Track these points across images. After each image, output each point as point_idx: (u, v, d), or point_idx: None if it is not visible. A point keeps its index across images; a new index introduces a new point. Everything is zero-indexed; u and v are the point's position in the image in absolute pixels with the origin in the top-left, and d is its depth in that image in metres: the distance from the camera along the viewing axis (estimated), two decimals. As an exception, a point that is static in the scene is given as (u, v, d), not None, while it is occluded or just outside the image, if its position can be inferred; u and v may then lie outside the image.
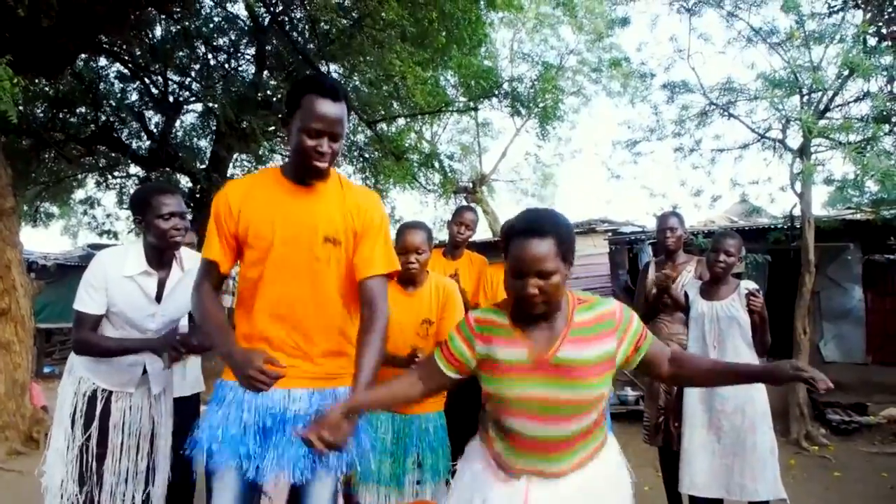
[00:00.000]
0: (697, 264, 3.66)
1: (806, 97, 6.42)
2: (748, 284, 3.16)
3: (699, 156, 7.81)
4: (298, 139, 1.78)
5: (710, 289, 3.26)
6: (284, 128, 1.86)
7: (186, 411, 2.87)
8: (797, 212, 6.83)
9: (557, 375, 1.63)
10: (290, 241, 1.84)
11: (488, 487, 1.71)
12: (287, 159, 1.96)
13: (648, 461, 4.18)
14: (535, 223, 1.60)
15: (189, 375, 3.17)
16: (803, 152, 6.42)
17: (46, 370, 10.06)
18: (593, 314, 1.69)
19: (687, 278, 3.59)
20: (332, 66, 8.10)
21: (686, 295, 3.37)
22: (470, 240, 3.85)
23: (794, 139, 6.74)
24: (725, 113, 7.19)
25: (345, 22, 6.64)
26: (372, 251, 1.90)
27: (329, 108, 1.76)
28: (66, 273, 11.66)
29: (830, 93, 6.33)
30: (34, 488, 2.57)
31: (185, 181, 9.57)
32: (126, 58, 8.44)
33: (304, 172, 1.85)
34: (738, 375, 1.81)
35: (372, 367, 1.77)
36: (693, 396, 3.17)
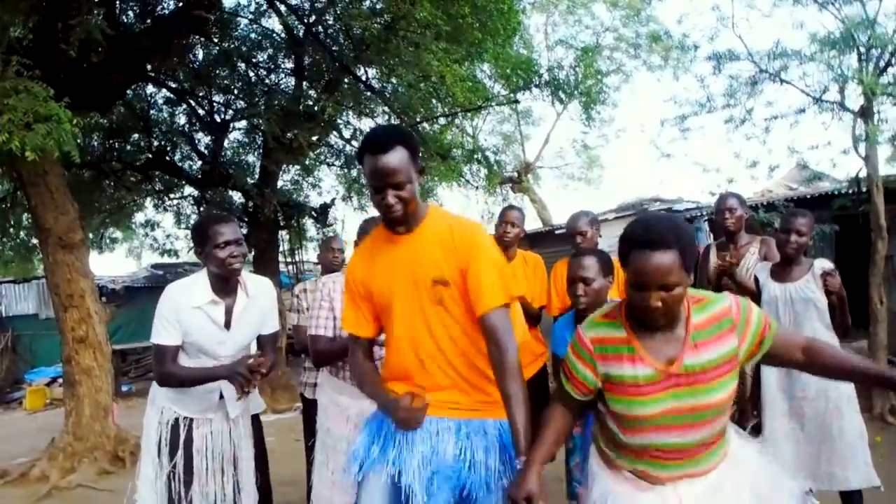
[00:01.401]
0: (761, 244, 3.54)
1: (864, 55, 6.09)
2: (823, 264, 3.02)
3: (752, 125, 7.51)
4: (371, 195, 1.86)
5: (782, 270, 3.13)
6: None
7: (253, 430, 2.91)
8: (863, 174, 6.50)
9: (688, 384, 1.61)
10: (403, 291, 1.88)
11: (632, 499, 1.69)
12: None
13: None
14: (658, 234, 1.55)
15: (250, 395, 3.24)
16: (865, 114, 6.10)
17: (124, 388, 10.50)
18: (709, 314, 1.65)
19: (751, 260, 3.47)
20: (370, 72, 8.15)
21: (756, 279, 3.25)
22: (520, 237, 3.79)
23: (854, 100, 6.41)
24: (777, 79, 6.89)
25: (378, 26, 6.66)
26: (480, 284, 1.83)
27: (379, 162, 1.77)
28: (135, 295, 12.15)
29: (890, 48, 5.99)
30: (127, 510, 2.68)
31: (237, 197, 9.82)
32: (171, 84, 8.71)
33: (388, 225, 1.91)
34: (866, 378, 1.73)
35: (524, 418, 1.73)
36: (772, 383, 3.06)
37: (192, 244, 2.67)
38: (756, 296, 3.29)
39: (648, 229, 1.57)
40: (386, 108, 8.32)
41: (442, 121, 8.97)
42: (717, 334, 1.63)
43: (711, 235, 10.23)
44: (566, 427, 1.81)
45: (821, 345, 1.72)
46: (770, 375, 3.07)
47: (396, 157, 1.77)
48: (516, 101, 9.34)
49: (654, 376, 1.63)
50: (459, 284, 1.85)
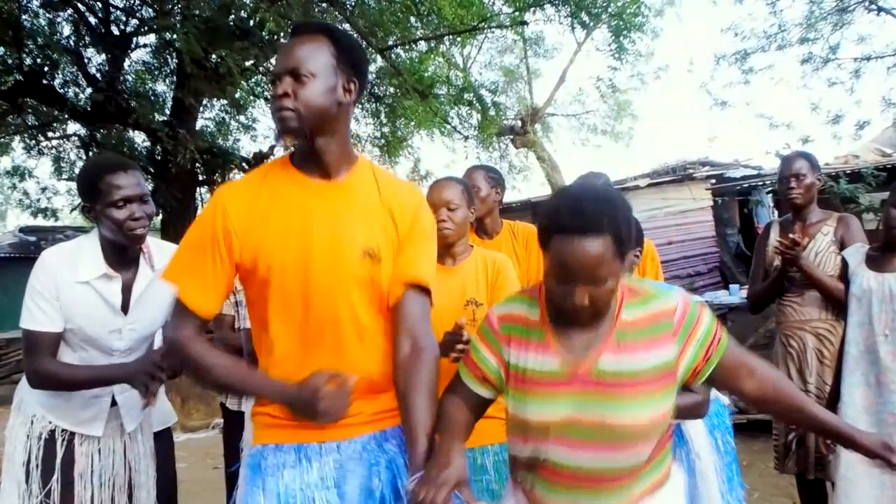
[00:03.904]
0: (838, 223, 3.59)
1: None
2: None
3: (837, 67, 7.61)
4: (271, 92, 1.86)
5: (882, 257, 3.17)
6: None
7: (158, 451, 2.91)
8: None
9: (598, 391, 1.67)
10: (314, 260, 1.83)
11: None
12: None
13: (781, 489, 4.18)
14: (585, 216, 1.59)
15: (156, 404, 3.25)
16: None
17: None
18: (647, 311, 1.71)
19: (822, 243, 3.53)
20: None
21: (843, 263, 3.30)
22: (502, 204, 3.76)
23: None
24: (873, 6, 6.96)
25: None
26: (413, 257, 1.90)
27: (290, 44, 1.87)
28: (-4, 268, 12.04)
29: None
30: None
31: (140, 139, 9.73)
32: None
33: (297, 160, 1.90)
34: (824, 430, 1.90)
35: (428, 427, 1.76)
36: (854, 404, 3.12)
37: (77, 200, 2.65)
38: (828, 290, 3.35)
39: (575, 209, 1.61)
40: (348, 26, 8.26)
41: (422, 46, 8.93)
42: (651, 338, 1.69)
43: (776, 211, 10.38)
44: (468, 420, 1.85)
45: (778, 377, 1.86)
46: (854, 389, 3.12)
47: (309, 45, 1.81)
48: (523, 23, 9.30)
49: (558, 373, 1.69)
50: (390, 262, 1.89)
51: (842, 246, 3.43)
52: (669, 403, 1.71)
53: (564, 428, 1.68)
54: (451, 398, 1.88)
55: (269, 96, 9.58)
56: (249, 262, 1.83)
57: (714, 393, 2.85)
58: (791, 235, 3.49)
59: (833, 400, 3.25)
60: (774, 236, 3.71)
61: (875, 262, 3.17)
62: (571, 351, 1.70)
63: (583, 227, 1.58)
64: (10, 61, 9.07)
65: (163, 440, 3.03)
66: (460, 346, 2.30)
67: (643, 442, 1.69)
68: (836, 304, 3.38)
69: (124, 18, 9.11)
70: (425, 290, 1.92)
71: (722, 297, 7.15)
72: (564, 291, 1.63)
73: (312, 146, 1.83)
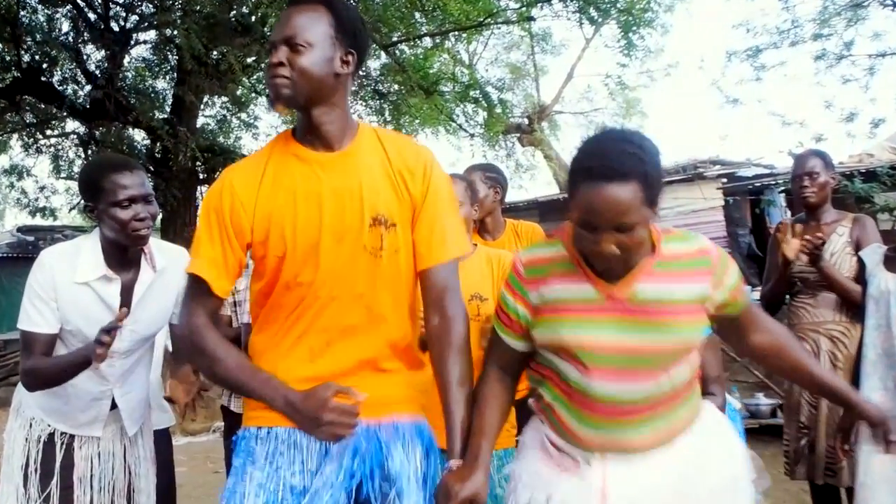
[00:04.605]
0: (854, 224, 3.58)
1: None
2: None
3: (851, 64, 7.59)
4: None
5: None
6: None
7: (157, 453, 2.91)
8: None
9: (638, 316, 1.70)
10: (323, 234, 1.82)
11: (553, 482, 1.78)
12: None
13: (793, 495, 4.17)
14: (613, 161, 1.59)
15: (153, 404, 3.25)
16: None
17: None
18: (687, 247, 1.77)
19: (838, 244, 3.51)
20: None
21: (860, 263, 3.28)
22: (504, 203, 3.75)
23: None
24: (889, 1, 6.94)
25: None
26: (436, 227, 1.89)
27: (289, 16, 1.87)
28: (-7, 267, 12.07)
29: None
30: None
31: (140, 137, 9.74)
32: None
33: (301, 134, 1.89)
34: (824, 390, 2.00)
35: (463, 413, 1.79)
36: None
37: (77, 199, 2.65)
38: (846, 292, 3.34)
39: (601, 154, 1.62)
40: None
41: (427, 42, 8.93)
42: (690, 270, 1.74)
43: (788, 211, 10.36)
44: (509, 397, 1.90)
45: (786, 335, 1.95)
46: (872, 393, 3.09)
47: (307, 14, 1.81)
48: (530, 19, 9.30)
49: (594, 298, 1.72)
50: (408, 226, 1.88)
51: (857, 247, 3.41)
52: (701, 333, 1.76)
53: (600, 353, 1.70)
54: (490, 371, 1.90)
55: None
56: (261, 239, 1.84)
57: (727, 398, 2.84)
58: (807, 236, 3.47)
59: (847, 404, 3.24)
60: (789, 235, 3.70)
61: (893, 263, 3.15)
62: (607, 278, 1.73)
63: (610, 173, 1.58)
64: (7, 58, 9.10)
65: (161, 444, 3.03)
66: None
67: (674, 367, 1.73)
68: (853, 307, 3.36)
69: (124, 14, 9.12)
70: (452, 256, 1.91)
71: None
72: (592, 239, 1.63)
73: (310, 117, 1.83)
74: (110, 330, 2.28)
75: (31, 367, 2.44)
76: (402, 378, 1.91)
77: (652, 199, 1.62)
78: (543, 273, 1.79)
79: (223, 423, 3.84)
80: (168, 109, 9.08)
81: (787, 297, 3.67)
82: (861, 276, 3.25)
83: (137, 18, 9.02)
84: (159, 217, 10.04)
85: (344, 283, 1.83)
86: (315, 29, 1.79)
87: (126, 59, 9.43)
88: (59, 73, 9.64)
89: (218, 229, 1.85)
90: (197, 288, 1.86)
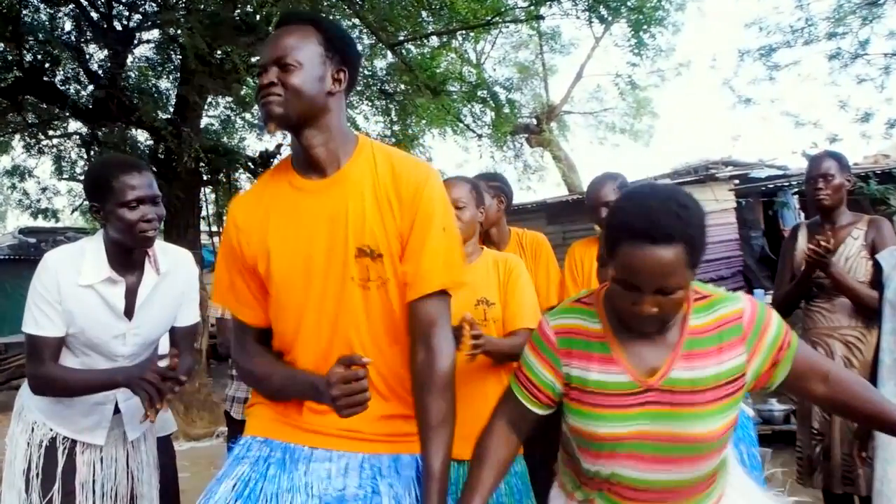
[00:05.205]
0: (869, 226, 3.57)
1: None
2: None
3: (866, 63, 7.56)
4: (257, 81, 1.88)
5: None
6: None
7: (159, 458, 2.92)
8: None
9: (671, 403, 1.67)
10: (310, 264, 1.83)
11: None
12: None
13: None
14: (659, 224, 1.56)
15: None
16: None
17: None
18: (714, 315, 1.72)
19: (853, 247, 3.50)
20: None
21: (877, 267, 3.27)
22: (510, 210, 3.73)
23: None
24: (904, 0, 6.92)
25: None
26: (422, 256, 1.83)
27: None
28: (-6, 269, 12.12)
29: None
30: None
31: (143, 138, 9.76)
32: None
33: (298, 164, 1.91)
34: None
35: (443, 455, 1.75)
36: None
37: (79, 200, 2.66)
38: (860, 297, 3.33)
39: (648, 215, 1.58)
40: (357, 21, 8.28)
41: (434, 41, 8.93)
42: (721, 345, 1.69)
43: (802, 214, 10.34)
44: (510, 455, 1.87)
45: (845, 373, 1.83)
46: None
47: (296, 35, 1.83)
48: (539, 18, 9.30)
49: (628, 386, 1.69)
50: (395, 256, 1.84)
51: (873, 250, 3.40)
52: (738, 410, 1.72)
53: (636, 443, 1.68)
54: (497, 425, 1.87)
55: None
56: (259, 269, 1.88)
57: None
58: (817, 237, 3.46)
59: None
60: (802, 240, 3.69)
61: None
62: (640, 364, 1.70)
63: (654, 235, 1.55)
64: (9, 58, 9.12)
65: (163, 448, 3.04)
66: (473, 342, 2.34)
67: (713, 452, 1.70)
68: (869, 312, 3.35)
69: (127, 13, 9.14)
70: (441, 289, 1.85)
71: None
72: (632, 299, 1.62)
73: (301, 139, 1.83)
74: (163, 386, 2.36)
75: (47, 374, 2.45)
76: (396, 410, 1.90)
77: (695, 261, 1.60)
78: (578, 348, 1.76)
79: (226, 429, 3.84)
80: (171, 109, 9.09)
81: (802, 300, 3.66)
82: (877, 280, 3.23)
83: (141, 17, 9.04)
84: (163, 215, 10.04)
85: (332, 313, 1.83)
86: (305, 48, 1.81)
87: (129, 59, 9.44)
88: (62, 72, 9.65)
89: (234, 264, 1.94)
90: (241, 325, 1.98)
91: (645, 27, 8.36)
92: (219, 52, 7.70)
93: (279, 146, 10.36)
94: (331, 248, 1.81)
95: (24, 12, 9.06)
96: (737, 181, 10.51)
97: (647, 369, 1.69)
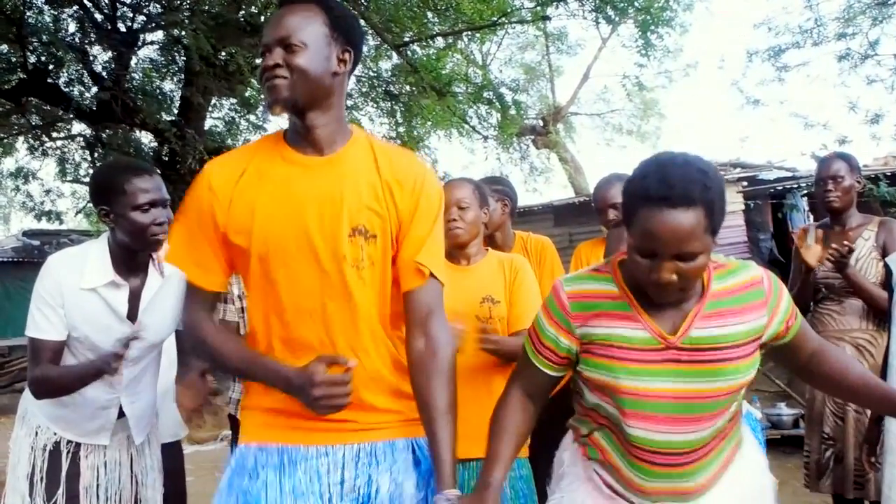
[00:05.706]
0: (880, 228, 3.56)
1: None
2: None
3: (876, 64, 7.55)
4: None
5: None
6: None
7: (167, 464, 2.94)
8: None
9: (692, 361, 1.69)
10: (301, 240, 1.81)
11: None
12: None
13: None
14: (679, 188, 1.57)
15: (164, 416, 3.27)
16: None
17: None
18: (736, 280, 1.75)
19: (864, 249, 3.50)
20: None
21: (888, 270, 3.26)
22: (515, 213, 3.74)
23: None
24: (915, 0, 6.90)
25: None
26: (421, 242, 1.85)
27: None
28: (-2, 273, 12.15)
29: None
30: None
31: (147, 139, 9.80)
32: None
33: (291, 137, 1.88)
34: (873, 401, 1.91)
35: (451, 439, 1.76)
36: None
37: (83, 202, 2.67)
38: (874, 299, 3.32)
39: (667, 179, 1.58)
40: (362, 22, 8.28)
41: (440, 42, 8.94)
42: (743, 306, 1.73)
43: (811, 215, 10.32)
44: (528, 424, 1.89)
45: (835, 352, 1.92)
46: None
47: (300, 14, 1.79)
48: (545, 18, 9.30)
49: (650, 342, 1.70)
50: (387, 243, 1.85)
51: (884, 252, 3.39)
52: (755, 369, 1.75)
53: (654, 403, 1.70)
54: (513, 395, 1.89)
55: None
56: (238, 240, 1.83)
57: (746, 407, 2.83)
58: (834, 246, 3.45)
59: (877, 417, 3.21)
60: (811, 241, 3.68)
61: None
62: (661, 322, 1.72)
63: (673, 198, 1.56)
64: (13, 59, 9.17)
65: (172, 453, 3.05)
66: (483, 335, 2.44)
67: (726, 408, 1.74)
68: (880, 314, 3.34)
69: (131, 15, 9.18)
70: (437, 277, 1.87)
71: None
72: (650, 266, 1.62)
73: (304, 119, 1.81)
74: (127, 342, 2.31)
75: (40, 375, 2.45)
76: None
77: (714, 227, 1.60)
78: (592, 309, 1.77)
79: (230, 432, 3.84)
80: (175, 111, 9.12)
81: (812, 304, 3.65)
82: (888, 282, 3.22)
83: (145, 19, 9.07)
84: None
85: (319, 292, 1.82)
86: (310, 28, 1.77)
87: (133, 61, 9.48)
88: (66, 74, 9.70)
89: (199, 225, 1.86)
90: (191, 285, 1.90)
91: (652, 28, 8.34)
92: (223, 53, 7.72)
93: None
94: (322, 226, 1.80)
95: (28, 14, 9.10)
96: (745, 183, 10.48)
97: (669, 327, 1.71)
